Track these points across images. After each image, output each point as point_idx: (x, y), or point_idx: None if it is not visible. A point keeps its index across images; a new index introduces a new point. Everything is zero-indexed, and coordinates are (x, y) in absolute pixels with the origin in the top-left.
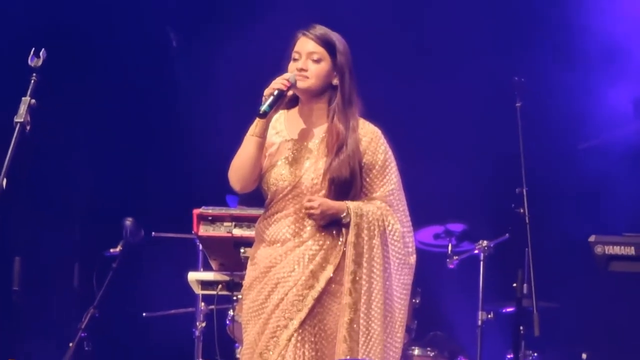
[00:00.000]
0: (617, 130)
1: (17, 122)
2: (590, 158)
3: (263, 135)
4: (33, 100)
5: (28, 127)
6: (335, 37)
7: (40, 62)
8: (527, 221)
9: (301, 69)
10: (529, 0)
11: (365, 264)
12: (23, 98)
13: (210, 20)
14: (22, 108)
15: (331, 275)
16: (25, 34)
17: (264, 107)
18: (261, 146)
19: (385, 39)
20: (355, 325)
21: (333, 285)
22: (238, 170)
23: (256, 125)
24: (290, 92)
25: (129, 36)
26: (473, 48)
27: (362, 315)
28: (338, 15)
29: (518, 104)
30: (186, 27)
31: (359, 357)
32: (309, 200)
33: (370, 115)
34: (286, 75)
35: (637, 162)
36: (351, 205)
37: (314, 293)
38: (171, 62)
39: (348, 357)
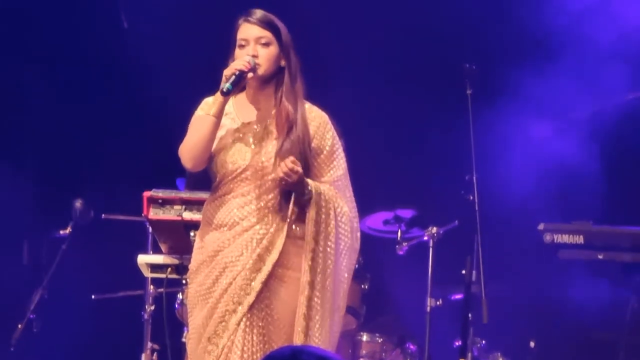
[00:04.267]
0: (571, 116)
1: None
2: (540, 145)
3: (220, 115)
4: None
5: None
6: (276, 20)
7: None
8: (476, 208)
9: (253, 55)
10: None
11: (322, 242)
12: None
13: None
14: None
15: (276, 258)
16: None
17: (227, 85)
18: (217, 126)
19: (335, 23)
20: (313, 303)
21: (279, 270)
22: (192, 149)
23: (214, 104)
24: (250, 75)
25: (81, 16)
26: (424, 34)
27: (317, 293)
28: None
29: (469, 91)
30: (137, 8)
31: (312, 333)
32: (293, 162)
33: (319, 99)
34: (246, 58)
35: (587, 150)
36: (311, 182)
37: (262, 276)
38: (122, 44)
39: (303, 335)
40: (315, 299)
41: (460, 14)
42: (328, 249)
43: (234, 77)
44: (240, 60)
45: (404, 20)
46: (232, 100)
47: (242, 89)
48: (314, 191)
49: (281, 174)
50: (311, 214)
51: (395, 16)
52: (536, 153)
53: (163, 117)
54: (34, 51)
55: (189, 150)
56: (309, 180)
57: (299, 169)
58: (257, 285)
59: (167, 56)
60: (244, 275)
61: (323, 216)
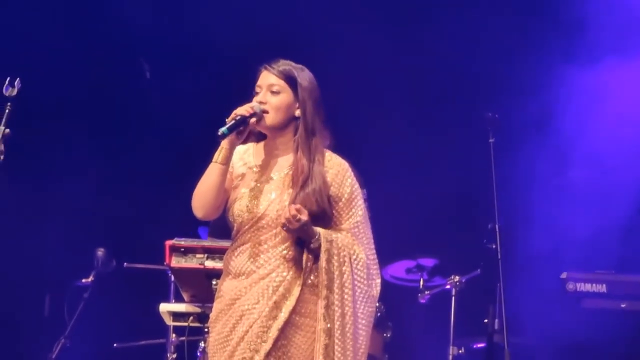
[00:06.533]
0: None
1: None
2: (562, 194)
3: (226, 162)
4: (7, 130)
5: (1, 157)
6: (297, 70)
7: (15, 92)
8: (499, 257)
9: (260, 102)
10: (502, 37)
11: (336, 290)
12: None
13: (182, 56)
14: None
15: (293, 305)
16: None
17: (222, 129)
18: (224, 173)
19: (359, 74)
20: (331, 352)
21: (296, 317)
22: (200, 197)
23: (219, 152)
24: (253, 120)
25: (103, 69)
26: (446, 84)
27: (337, 341)
28: (323, 56)
29: (491, 140)
30: (160, 59)
31: None
32: (298, 210)
33: (344, 149)
34: (252, 103)
35: (608, 199)
36: (321, 231)
37: (278, 324)
38: (145, 94)
39: None
40: (337, 347)
41: (484, 61)
42: (345, 296)
43: (233, 121)
44: (244, 106)
45: (428, 68)
46: (252, 149)
47: (263, 138)
48: (322, 239)
49: (283, 220)
50: (322, 262)
51: (419, 63)
52: (558, 201)
53: (186, 166)
54: (55, 103)
55: (197, 199)
56: (319, 229)
57: (303, 217)
58: (273, 332)
59: (191, 106)
60: (260, 322)
61: (336, 264)
